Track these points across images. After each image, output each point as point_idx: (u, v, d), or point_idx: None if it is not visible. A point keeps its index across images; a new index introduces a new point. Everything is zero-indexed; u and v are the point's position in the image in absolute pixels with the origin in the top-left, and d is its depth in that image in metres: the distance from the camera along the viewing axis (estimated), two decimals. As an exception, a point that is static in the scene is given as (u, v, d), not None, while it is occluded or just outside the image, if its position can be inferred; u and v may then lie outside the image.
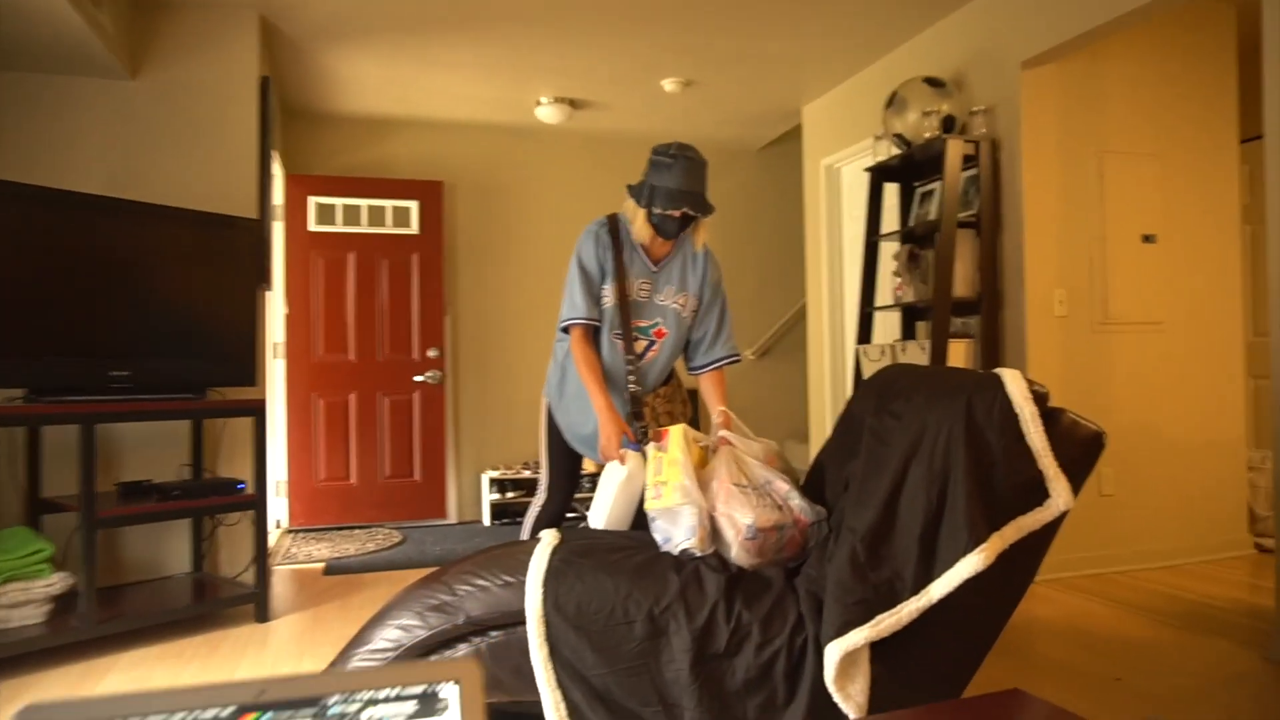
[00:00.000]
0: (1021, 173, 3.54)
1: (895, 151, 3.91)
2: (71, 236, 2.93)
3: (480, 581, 1.98)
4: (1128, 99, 3.77)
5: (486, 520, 5.25)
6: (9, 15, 2.92)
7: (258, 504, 3.24)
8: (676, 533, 2.06)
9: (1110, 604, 3.21)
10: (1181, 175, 3.86)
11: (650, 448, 2.24)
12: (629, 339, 2.53)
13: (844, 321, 4.95)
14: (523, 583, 1.95)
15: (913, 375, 2.23)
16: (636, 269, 2.52)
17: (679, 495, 2.08)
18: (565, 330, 2.52)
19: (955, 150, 3.57)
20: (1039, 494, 1.82)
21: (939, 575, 1.78)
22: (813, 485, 2.38)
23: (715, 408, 2.61)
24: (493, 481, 5.23)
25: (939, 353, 3.50)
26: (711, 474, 2.18)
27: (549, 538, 2.16)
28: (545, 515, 2.68)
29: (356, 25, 3.91)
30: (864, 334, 4.06)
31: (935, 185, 3.88)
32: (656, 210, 2.42)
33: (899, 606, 1.78)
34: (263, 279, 3.83)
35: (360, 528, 5.11)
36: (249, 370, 3.37)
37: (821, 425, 5.04)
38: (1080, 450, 1.86)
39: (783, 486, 2.21)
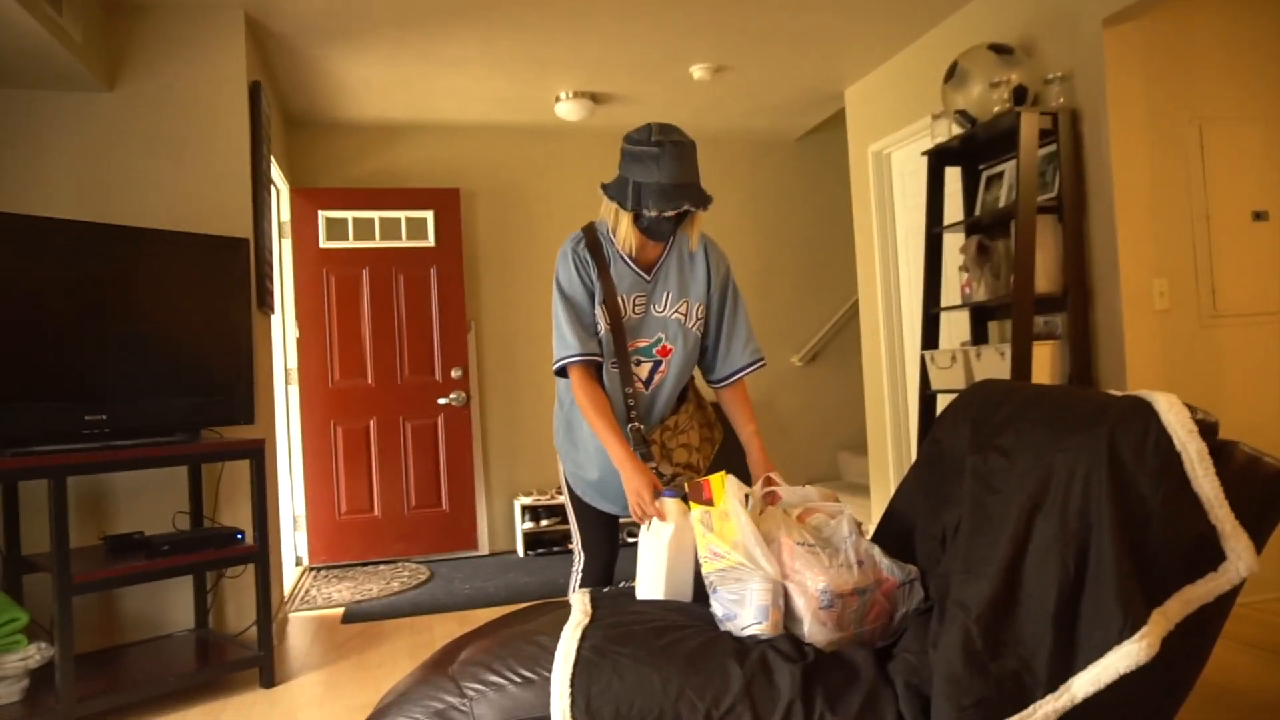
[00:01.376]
0: (1109, 147, 3.08)
1: (957, 130, 3.46)
2: (39, 266, 2.61)
3: (494, 678, 1.60)
4: (1224, 59, 3.29)
5: (520, 551, 4.89)
6: (-43, 23, 2.61)
7: (259, 557, 2.90)
8: (744, 613, 1.66)
9: (1241, 647, 2.74)
10: (1291, 141, 3.37)
11: (678, 504, 1.86)
12: (627, 366, 2.08)
13: (902, 322, 4.50)
14: (546, 679, 1.56)
15: (1018, 397, 1.80)
16: (627, 283, 2.09)
17: (743, 561, 1.68)
18: (561, 372, 2.09)
19: (1030, 124, 3.11)
20: (1211, 556, 1.40)
21: (1083, 667, 1.37)
22: (892, 536, 1.96)
23: (743, 428, 2.18)
24: (525, 509, 4.87)
25: (1022, 358, 3.05)
26: (768, 533, 1.77)
27: (578, 612, 1.78)
28: (589, 582, 2.24)
29: (352, 20, 3.56)
30: (929, 338, 3.62)
31: (1005, 166, 3.43)
32: (648, 213, 1.97)
33: (1032, 708, 1.37)
34: (263, 302, 3.51)
35: (385, 563, 4.78)
36: (246, 406, 3.03)
37: (881, 437, 4.60)
38: (1262, 495, 1.43)
39: (858, 540, 1.81)
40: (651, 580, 1.87)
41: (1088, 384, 3.13)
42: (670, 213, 1.97)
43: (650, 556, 1.88)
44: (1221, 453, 1.43)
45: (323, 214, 4.78)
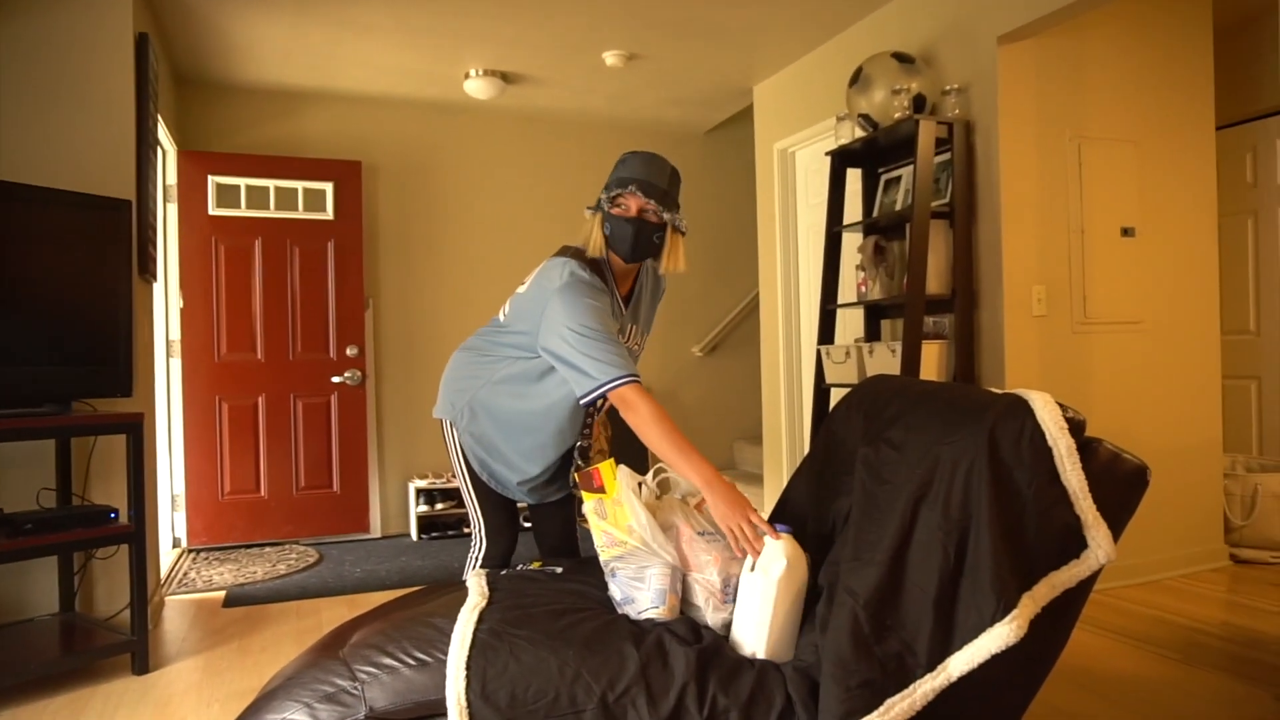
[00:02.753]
0: (998, 158, 3.25)
1: (859, 134, 3.58)
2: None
3: (387, 660, 1.58)
4: (1105, 81, 3.51)
5: (414, 534, 4.80)
6: None
7: (135, 536, 2.75)
8: (642, 596, 1.69)
9: (1098, 632, 2.95)
10: (1159, 163, 3.62)
11: (792, 543, 1.68)
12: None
13: (799, 316, 4.63)
14: (442, 662, 1.55)
15: (908, 393, 1.89)
16: (614, 310, 2.06)
17: (639, 548, 1.71)
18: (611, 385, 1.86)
19: (928, 132, 3.25)
20: (1075, 544, 1.50)
21: (959, 647, 1.45)
22: (788, 523, 2.02)
23: None
24: (420, 492, 4.78)
25: (911, 356, 3.19)
26: (665, 520, 1.80)
27: (475, 594, 1.77)
28: (488, 566, 2.22)
29: (254, -21, 3.40)
30: (825, 333, 3.73)
31: (902, 171, 3.57)
32: (606, 198, 1.98)
33: (912, 687, 1.45)
34: (145, 269, 3.32)
35: (272, 545, 4.61)
36: (123, 378, 2.87)
37: (776, 428, 4.72)
38: (1121, 489, 1.55)
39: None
40: (755, 623, 1.63)
41: (971, 382, 3.30)
42: (628, 202, 1.96)
43: (755, 597, 1.63)
44: (1087, 449, 1.54)
45: (213, 179, 4.55)
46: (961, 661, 1.43)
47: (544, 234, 5.17)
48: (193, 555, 4.42)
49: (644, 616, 1.68)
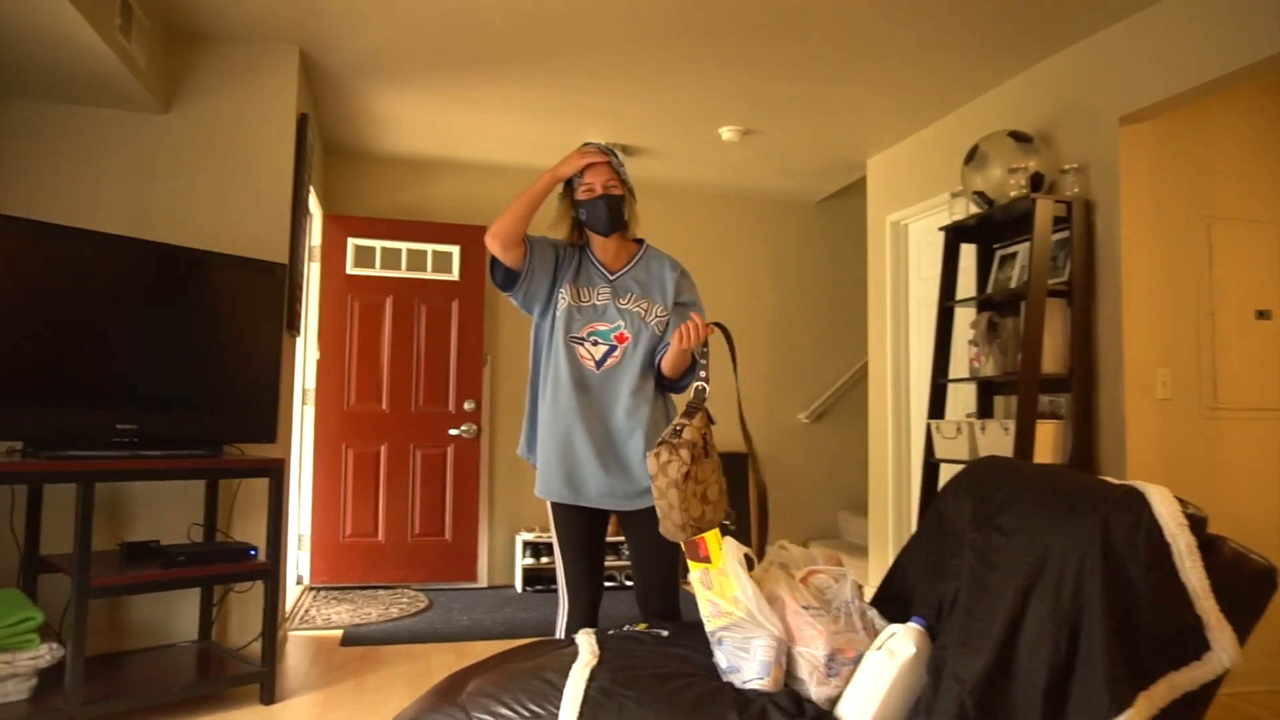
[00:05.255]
0: (1119, 238, 3.20)
1: (974, 210, 3.59)
2: (79, 276, 2.73)
3: (503, 710, 1.67)
4: (1235, 160, 3.42)
5: (519, 586, 4.93)
6: (35, 43, 2.76)
7: (270, 574, 2.97)
8: (748, 666, 1.73)
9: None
10: (1296, 245, 3.48)
11: (923, 634, 1.72)
12: (578, 345, 2.33)
13: (908, 387, 4.60)
14: (554, 716, 1.63)
15: (1017, 477, 1.89)
16: (594, 278, 2.38)
17: (745, 619, 1.76)
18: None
19: (1045, 210, 3.24)
20: (1196, 645, 1.47)
21: (1070, 743, 1.43)
22: (891, 601, 2.03)
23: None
24: (526, 545, 4.92)
25: (1025, 435, 3.14)
26: (770, 593, 1.85)
27: (585, 652, 1.85)
28: (574, 625, 2.31)
29: (400, 62, 3.72)
30: (936, 408, 3.70)
31: (1018, 248, 3.55)
32: (572, 189, 2.33)
33: (1019, 781, 1.43)
34: (291, 325, 3.62)
35: (385, 588, 4.82)
36: (269, 426, 3.12)
37: (882, 499, 4.66)
38: (1247, 590, 1.51)
39: (861, 604, 1.88)
40: (867, 702, 1.65)
41: (1088, 465, 3.20)
42: (591, 180, 2.28)
43: (875, 675, 1.67)
44: (1210, 547, 1.51)
45: (352, 241, 4.91)
46: (1073, 757, 1.41)
47: (655, 298, 5.31)
48: (314, 593, 4.67)
49: (748, 687, 1.72)
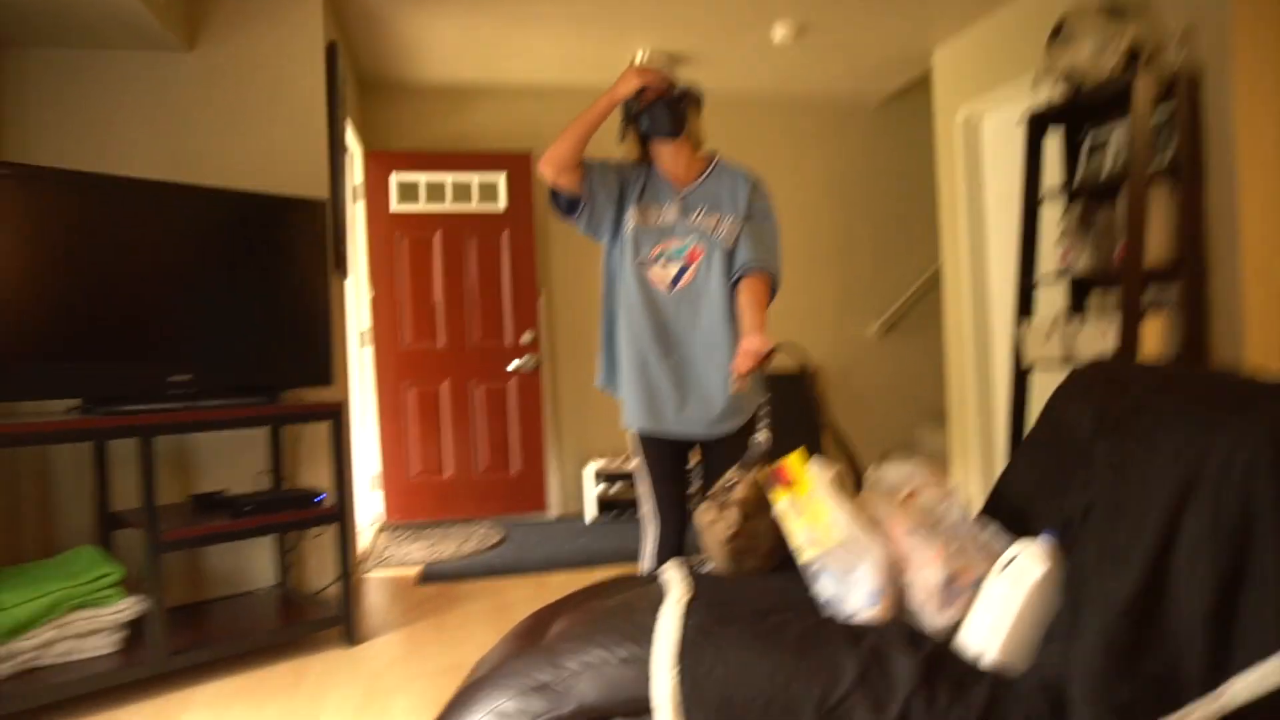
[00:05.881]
0: (1233, 112, 2.87)
1: (1060, 93, 3.27)
2: (123, 228, 2.63)
3: (593, 654, 1.55)
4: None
5: (590, 515, 4.87)
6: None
7: (340, 517, 2.92)
8: (852, 596, 1.59)
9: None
10: None
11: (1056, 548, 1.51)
12: (648, 268, 2.26)
13: (987, 292, 4.33)
14: (648, 658, 1.51)
15: (1145, 381, 1.68)
16: (662, 195, 2.30)
17: (844, 545, 1.60)
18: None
19: (1145, 87, 2.92)
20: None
21: (1242, 669, 1.26)
22: (1004, 517, 1.86)
23: (744, 322, 2.20)
24: (598, 474, 4.84)
25: (1129, 332, 2.89)
26: (872, 518, 1.69)
27: (677, 588, 1.72)
28: (664, 550, 2.27)
29: (433, -22, 3.50)
30: (1024, 310, 3.45)
31: (1112, 130, 3.23)
32: (631, 106, 2.27)
33: (1183, 711, 1.27)
34: (339, 265, 3.51)
35: (459, 523, 4.81)
36: (325, 368, 3.03)
37: (964, 410, 4.45)
38: None
39: (979, 526, 1.71)
40: (993, 628, 1.47)
41: (1199, 362, 2.95)
42: (646, 95, 2.20)
43: (1001, 600, 1.48)
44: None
45: (395, 177, 4.76)
46: (1245, 686, 1.24)
47: (711, 216, 5.09)
48: (388, 532, 4.68)
49: (856, 619, 1.58)
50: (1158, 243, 2.98)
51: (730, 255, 2.26)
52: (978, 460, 4.36)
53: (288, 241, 2.99)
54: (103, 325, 2.56)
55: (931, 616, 1.58)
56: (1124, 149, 3.11)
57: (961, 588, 1.58)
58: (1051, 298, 3.59)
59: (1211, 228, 2.96)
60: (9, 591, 2.44)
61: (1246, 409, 1.38)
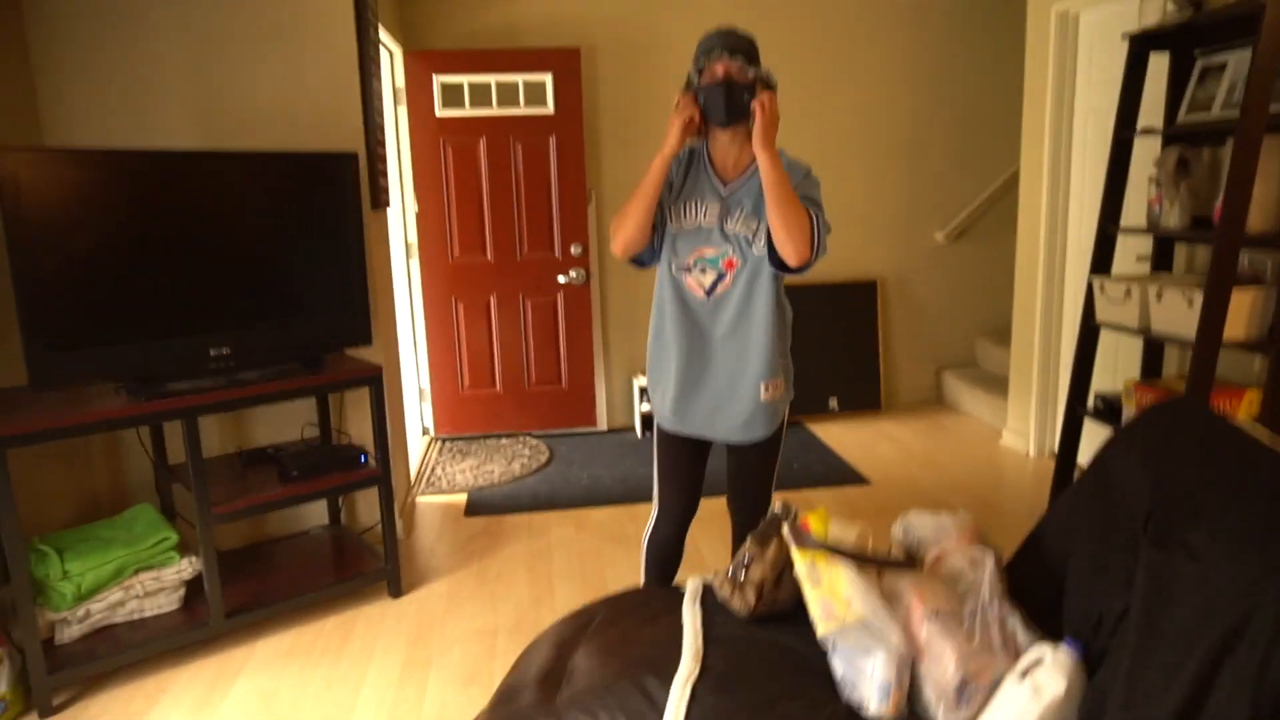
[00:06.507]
0: (1375, 47, 2.45)
1: (1174, 11, 2.84)
2: (147, 202, 2.55)
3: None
4: None
5: (639, 430, 4.89)
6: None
7: (381, 480, 2.97)
8: (863, 683, 1.54)
9: None
10: None
11: (1078, 663, 1.45)
12: (686, 274, 2.15)
13: (1067, 206, 3.99)
14: (652, 743, 1.51)
15: (1217, 461, 1.52)
16: (705, 190, 2.14)
17: (860, 624, 1.54)
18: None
19: (1277, 11, 2.49)
20: None
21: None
22: (1038, 575, 1.76)
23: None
24: (643, 390, 4.82)
25: (1216, 304, 2.63)
26: (893, 590, 1.61)
27: (688, 659, 1.70)
28: (656, 540, 2.35)
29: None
30: (1102, 260, 3.16)
31: (1228, 57, 2.82)
32: (695, 73, 2.03)
33: None
34: (376, 202, 3.41)
35: (507, 436, 4.90)
36: (363, 329, 2.99)
37: (1029, 328, 4.21)
38: None
39: (1001, 604, 1.62)
40: None
41: (1293, 341, 2.68)
42: (716, 67, 1.99)
43: (1016, 712, 1.42)
44: None
45: (438, 79, 4.52)
46: None
47: (771, 115, 4.73)
48: (439, 445, 4.79)
49: (864, 711, 1.54)
50: (1264, 202, 2.65)
51: (763, 261, 2.13)
52: (1036, 384, 4.17)
53: (321, 200, 2.87)
54: (138, 303, 2.55)
55: (942, 716, 1.52)
56: (1240, 85, 2.71)
57: (978, 687, 1.51)
58: (1136, 244, 3.28)
59: (1329, 188, 2.61)
60: (77, 560, 2.59)
61: (1314, 558, 1.22)
